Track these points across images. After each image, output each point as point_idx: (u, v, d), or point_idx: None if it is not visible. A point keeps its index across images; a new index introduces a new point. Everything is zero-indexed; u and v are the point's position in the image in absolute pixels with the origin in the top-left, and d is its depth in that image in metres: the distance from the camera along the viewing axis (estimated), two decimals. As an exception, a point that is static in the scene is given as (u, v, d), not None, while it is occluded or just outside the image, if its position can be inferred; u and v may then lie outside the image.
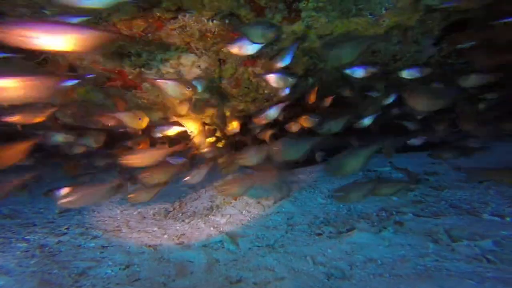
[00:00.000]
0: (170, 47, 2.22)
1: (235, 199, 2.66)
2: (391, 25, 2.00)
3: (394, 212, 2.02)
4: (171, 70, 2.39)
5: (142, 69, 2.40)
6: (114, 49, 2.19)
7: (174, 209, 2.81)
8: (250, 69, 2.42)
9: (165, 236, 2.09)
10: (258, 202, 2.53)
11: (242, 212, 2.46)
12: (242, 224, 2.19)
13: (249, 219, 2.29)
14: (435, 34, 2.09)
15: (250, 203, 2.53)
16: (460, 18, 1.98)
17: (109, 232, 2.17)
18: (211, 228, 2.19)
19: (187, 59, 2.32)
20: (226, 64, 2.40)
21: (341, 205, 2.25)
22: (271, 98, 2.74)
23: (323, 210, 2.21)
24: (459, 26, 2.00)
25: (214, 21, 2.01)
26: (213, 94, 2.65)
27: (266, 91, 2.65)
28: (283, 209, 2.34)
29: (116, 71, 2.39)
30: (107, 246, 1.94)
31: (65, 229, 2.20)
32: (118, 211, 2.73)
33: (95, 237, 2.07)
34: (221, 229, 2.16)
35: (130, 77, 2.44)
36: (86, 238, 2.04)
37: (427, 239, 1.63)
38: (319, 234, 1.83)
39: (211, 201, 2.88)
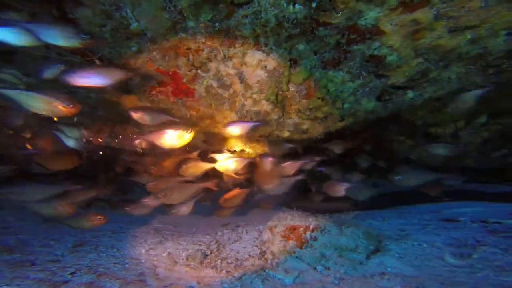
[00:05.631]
0: (236, 42, 1.85)
1: (301, 247, 1.87)
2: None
3: None
4: (232, 72, 1.99)
5: (199, 71, 2.03)
6: (172, 44, 1.87)
7: (211, 252, 2.09)
8: (331, 72, 1.91)
9: (210, 299, 1.35)
10: (340, 256, 1.71)
11: (316, 269, 1.64)
12: (327, 291, 1.38)
13: (336, 281, 1.46)
14: None
15: (327, 255, 1.72)
16: None
17: (129, 284, 1.48)
18: (278, 293, 1.40)
19: (253, 58, 1.91)
20: (298, 66, 1.94)
21: None
22: (351, 114, 2.14)
23: (476, 279, 1.32)
24: None
25: (297, 6, 1.60)
26: (276, 106, 2.15)
27: (346, 105, 2.07)
28: (389, 269, 1.49)
29: (170, 73, 2.05)
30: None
31: (69, 274, 1.57)
32: (143, 250, 2.07)
33: (107, 292, 1.39)
34: (294, 297, 1.36)
35: (184, 80, 2.07)
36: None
37: None
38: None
39: (256, 246, 2.14)
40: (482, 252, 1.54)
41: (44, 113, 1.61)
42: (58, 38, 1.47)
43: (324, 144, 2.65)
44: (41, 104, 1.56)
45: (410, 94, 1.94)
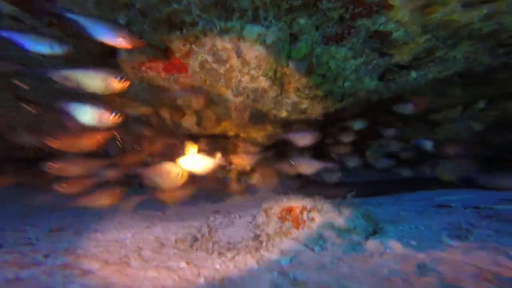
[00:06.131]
0: (233, 14, 1.74)
1: (297, 228, 1.80)
2: None
3: None
4: (229, 46, 1.87)
5: (193, 46, 1.91)
6: (164, 16, 1.73)
7: (202, 236, 1.99)
8: (333, 48, 1.84)
9: (201, 279, 1.25)
10: (338, 236, 1.65)
11: (314, 250, 1.58)
12: (325, 270, 1.31)
13: (334, 261, 1.40)
14: None
15: (325, 236, 1.66)
16: None
17: (111, 265, 1.35)
18: (274, 273, 1.32)
19: (251, 32, 1.81)
20: (299, 41, 1.86)
21: None
22: (352, 94, 2.08)
23: (475, 258, 1.28)
24: None
25: (299, -27, 1.51)
26: (275, 83, 2.05)
27: (347, 83, 2.01)
28: (388, 250, 1.43)
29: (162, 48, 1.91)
30: (100, 291, 1.12)
31: (42, 256, 1.42)
32: (129, 234, 1.94)
33: (85, 272, 1.26)
34: (292, 276, 1.29)
35: (177, 55, 1.94)
36: (69, 275, 1.23)
37: None
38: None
39: (250, 230, 2.06)
40: (478, 234, 1.53)
41: (100, 91, 1.50)
42: (109, 37, 1.44)
43: (343, 123, 2.57)
44: (98, 81, 1.47)
45: (413, 74, 1.88)
